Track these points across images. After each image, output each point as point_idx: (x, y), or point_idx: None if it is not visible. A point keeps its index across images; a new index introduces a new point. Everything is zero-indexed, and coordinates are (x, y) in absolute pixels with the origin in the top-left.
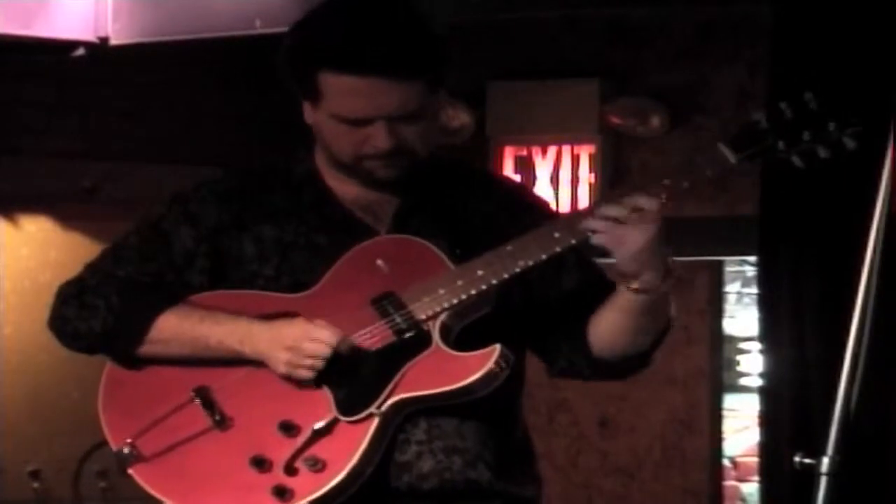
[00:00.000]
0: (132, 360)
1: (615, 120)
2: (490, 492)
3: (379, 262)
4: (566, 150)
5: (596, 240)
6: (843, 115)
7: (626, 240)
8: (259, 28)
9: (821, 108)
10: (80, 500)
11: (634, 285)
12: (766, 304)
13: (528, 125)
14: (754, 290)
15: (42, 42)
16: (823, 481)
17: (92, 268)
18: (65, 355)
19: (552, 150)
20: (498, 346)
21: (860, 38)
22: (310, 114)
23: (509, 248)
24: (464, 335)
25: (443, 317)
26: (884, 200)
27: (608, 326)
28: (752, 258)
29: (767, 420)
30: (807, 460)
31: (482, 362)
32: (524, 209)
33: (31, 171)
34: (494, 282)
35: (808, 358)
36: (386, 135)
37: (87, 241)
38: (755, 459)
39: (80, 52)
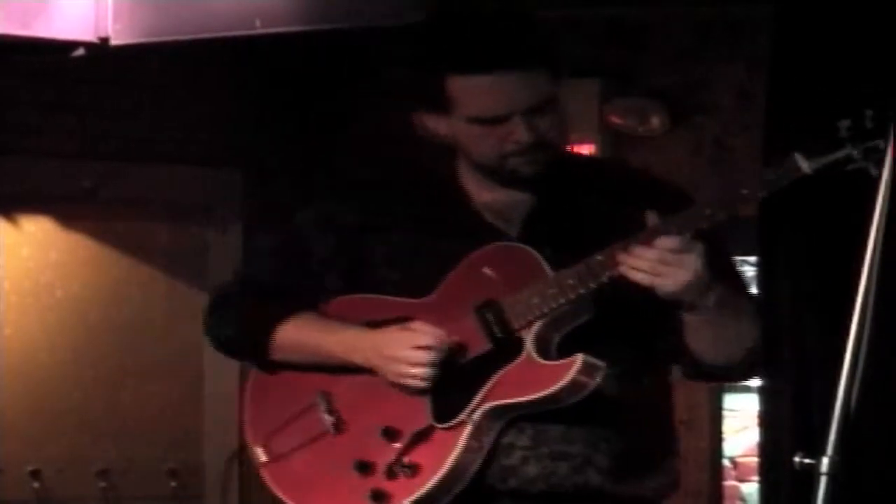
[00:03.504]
0: (271, 365)
1: (615, 120)
2: (601, 495)
3: (487, 269)
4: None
5: (632, 277)
6: None
7: (666, 278)
8: (259, 28)
9: None
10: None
11: (681, 309)
12: (766, 304)
13: None
14: (754, 290)
15: (42, 42)
16: (823, 481)
17: (235, 275)
18: (65, 355)
19: None
20: (580, 356)
21: (861, 37)
22: (440, 125)
23: (599, 257)
24: (583, 340)
25: (537, 325)
26: (884, 200)
27: (689, 338)
28: (752, 258)
29: (767, 420)
30: (807, 460)
31: (564, 372)
32: (657, 205)
33: (31, 171)
34: (583, 291)
35: (808, 358)
36: (525, 128)
37: (87, 241)
38: (755, 459)
39: (80, 52)
